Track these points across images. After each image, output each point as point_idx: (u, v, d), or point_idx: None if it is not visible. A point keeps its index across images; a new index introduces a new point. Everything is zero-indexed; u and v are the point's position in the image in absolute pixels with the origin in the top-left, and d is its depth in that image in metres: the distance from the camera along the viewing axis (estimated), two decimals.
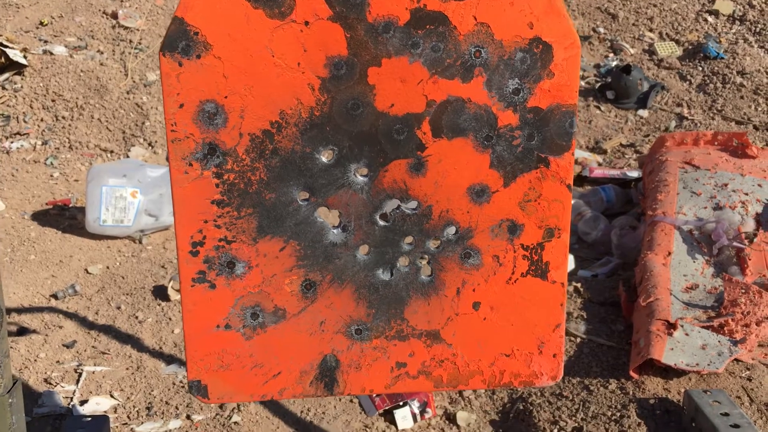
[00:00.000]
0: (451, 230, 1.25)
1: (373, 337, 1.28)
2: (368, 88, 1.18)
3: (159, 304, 2.94)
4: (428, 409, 2.37)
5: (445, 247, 1.26)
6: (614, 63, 5.25)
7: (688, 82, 5.06)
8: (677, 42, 5.44)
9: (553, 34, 1.15)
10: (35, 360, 2.56)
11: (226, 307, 1.25)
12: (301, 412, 2.36)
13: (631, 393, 2.38)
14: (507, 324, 1.28)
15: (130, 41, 5.16)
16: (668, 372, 2.46)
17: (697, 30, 5.50)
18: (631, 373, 2.43)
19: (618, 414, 2.29)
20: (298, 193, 1.22)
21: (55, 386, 2.44)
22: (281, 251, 1.24)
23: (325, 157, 1.21)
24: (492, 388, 1.21)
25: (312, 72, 1.16)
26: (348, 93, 1.18)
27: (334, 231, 1.24)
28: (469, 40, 1.15)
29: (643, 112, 4.83)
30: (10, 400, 1.35)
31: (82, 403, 2.35)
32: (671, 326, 2.51)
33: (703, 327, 2.57)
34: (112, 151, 4.36)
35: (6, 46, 4.71)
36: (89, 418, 2.12)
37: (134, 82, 4.83)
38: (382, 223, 1.24)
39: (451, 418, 2.38)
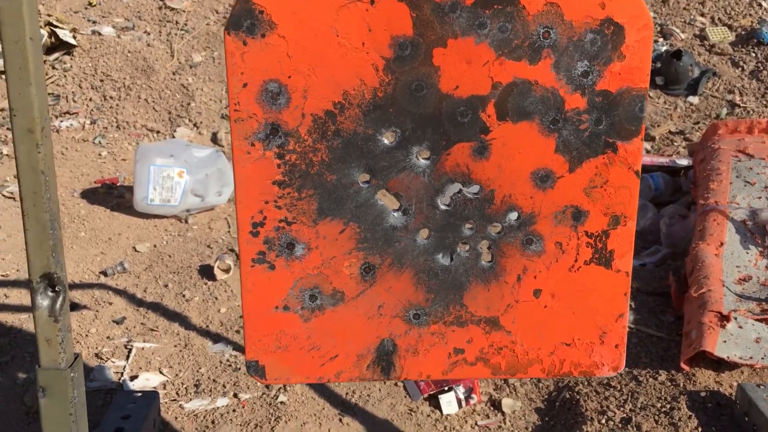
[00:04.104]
0: (514, 215, 1.23)
1: (431, 323, 1.27)
2: (433, 70, 1.16)
3: (205, 283, 2.97)
4: (473, 395, 2.36)
5: (507, 233, 1.24)
6: (664, 48, 5.12)
7: (740, 69, 4.92)
8: (729, 27, 5.28)
9: (626, 14, 1.12)
10: (86, 335, 2.61)
11: (284, 289, 1.25)
12: (347, 394, 2.36)
13: (681, 385, 2.33)
14: (568, 312, 1.26)
15: (177, 22, 5.19)
16: (720, 365, 2.41)
17: (750, 15, 5.33)
18: (682, 365, 2.39)
19: (668, 406, 2.25)
20: (359, 175, 1.21)
21: (106, 361, 2.48)
22: (341, 233, 1.23)
23: (387, 139, 1.20)
24: (551, 377, 1.20)
25: (376, 52, 1.15)
26: (412, 74, 1.16)
27: (395, 214, 1.23)
28: (537, 21, 1.13)
29: (694, 99, 4.71)
30: (71, 375, 1.37)
31: (132, 378, 2.39)
32: (724, 318, 2.46)
33: (757, 320, 2.51)
34: (158, 132, 4.41)
35: (56, 26, 4.78)
36: (140, 394, 2.16)
37: (180, 63, 4.87)
38: (443, 207, 1.23)
39: (496, 405, 2.36)
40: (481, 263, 1.25)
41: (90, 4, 5.32)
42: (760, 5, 5.37)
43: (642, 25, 1.12)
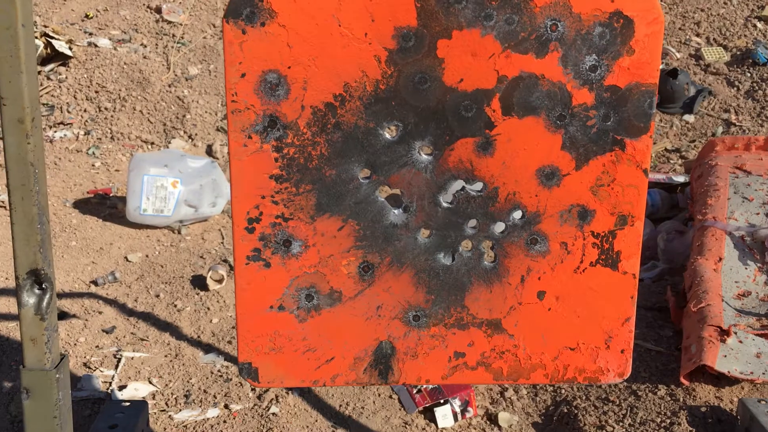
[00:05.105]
0: (518, 214, 1.19)
1: (432, 325, 1.23)
2: (437, 62, 1.13)
3: (197, 294, 2.92)
4: (469, 408, 2.31)
5: (511, 232, 1.20)
6: (660, 67, 5.14)
7: (735, 88, 4.93)
8: (725, 47, 5.30)
9: (636, 7, 1.09)
10: (75, 344, 2.55)
11: (280, 288, 1.21)
12: (340, 406, 2.31)
13: (681, 400, 2.29)
14: (573, 315, 1.22)
15: (173, 35, 5.18)
16: (720, 380, 2.36)
17: (745, 36, 5.36)
18: (682, 380, 2.34)
19: (668, 421, 2.20)
20: (359, 171, 1.18)
21: (94, 370, 2.42)
22: (339, 231, 1.19)
23: (388, 134, 1.16)
24: (555, 383, 1.15)
25: (379, 43, 1.12)
26: (416, 66, 1.13)
27: (395, 211, 1.20)
28: (545, 13, 1.10)
29: (689, 117, 4.72)
30: (57, 376, 1.32)
31: (121, 388, 2.33)
32: (724, 333, 2.42)
33: (757, 335, 2.47)
34: (152, 143, 4.37)
35: (52, 38, 4.76)
36: (128, 403, 2.10)
37: (176, 75, 4.85)
38: (445, 204, 1.19)
39: (492, 419, 2.31)
40: (483, 263, 1.21)
41: (87, 16, 5.30)
42: (755, 26, 5.40)
43: (652, 19, 1.10)
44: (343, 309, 1.22)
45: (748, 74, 4.97)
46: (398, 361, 1.24)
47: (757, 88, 4.84)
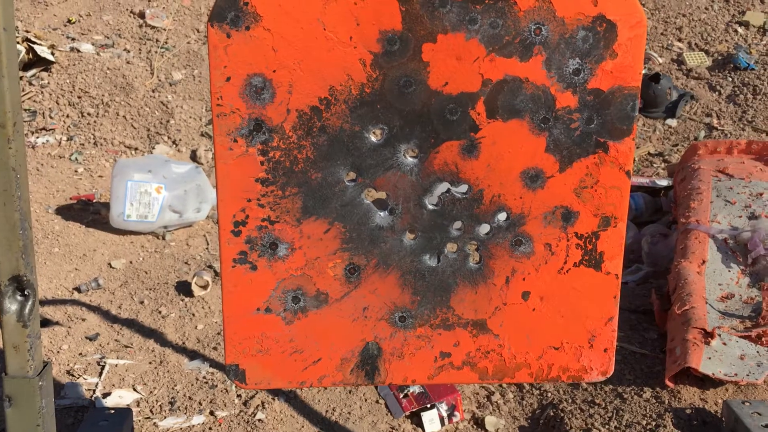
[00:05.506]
0: (503, 216, 1.20)
1: (418, 326, 1.23)
2: (422, 65, 1.13)
3: (182, 300, 2.90)
4: (456, 413, 2.31)
5: (496, 234, 1.21)
6: (643, 71, 5.18)
7: (717, 93, 4.99)
8: (706, 52, 5.36)
9: (619, 11, 1.10)
10: (58, 352, 2.52)
11: (267, 290, 1.21)
12: (326, 411, 2.30)
13: (666, 402, 2.31)
14: (557, 315, 1.23)
15: (157, 40, 5.16)
16: (704, 382, 2.38)
17: (726, 41, 5.42)
18: (667, 382, 2.36)
19: (654, 423, 2.22)
20: (345, 174, 1.18)
21: (78, 378, 2.40)
22: (325, 233, 1.19)
23: (374, 137, 1.17)
24: (539, 382, 1.16)
25: (364, 47, 1.12)
26: (401, 70, 1.14)
27: (381, 214, 1.20)
28: (529, 17, 1.11)
29: (672, 122, 4.76)
30: (40, 383, 1.31)
31: (105, 395, 2.31)
32: (708, 335, 2.44)
33: (740, 337, 2.49)
34: (136, 149, 4.35)
35: (34, 43, 4.73)
36: (112, 411, 2.09)
37: (160, 80, 4.83)
38: (430, 206, 1.20)
39: (479, 423, 2.31)
40: (468, 265, 1.22)
41: (69, 21, 5.27)
42: (736, 31, 5.47)
43: (635, 23, 1.11)
44: (330, 311, 1.22)
45: (730, 79, 5.03)
46: (385, 361, 1.24)
47: (738, 92, 4.90)
